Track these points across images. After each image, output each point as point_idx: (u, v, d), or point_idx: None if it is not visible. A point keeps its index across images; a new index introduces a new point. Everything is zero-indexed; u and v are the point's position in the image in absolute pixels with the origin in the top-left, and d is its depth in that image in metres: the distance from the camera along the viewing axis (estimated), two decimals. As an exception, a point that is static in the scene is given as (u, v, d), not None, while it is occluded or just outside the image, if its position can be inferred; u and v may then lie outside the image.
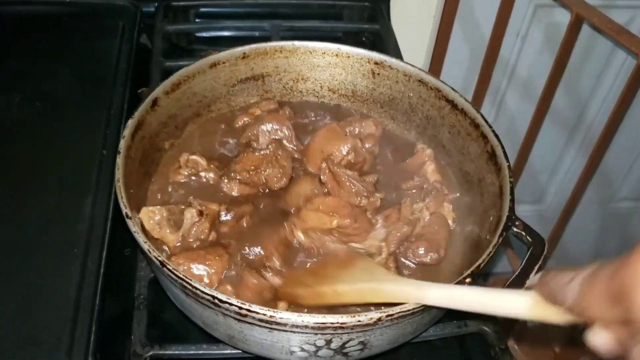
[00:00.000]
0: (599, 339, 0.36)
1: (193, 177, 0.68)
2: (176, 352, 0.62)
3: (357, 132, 0.73)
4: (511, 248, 1.34)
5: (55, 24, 0.96)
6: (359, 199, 0.65)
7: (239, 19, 1.02)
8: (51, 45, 0.93)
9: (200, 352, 0.62)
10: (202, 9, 1.03)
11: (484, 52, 1.30)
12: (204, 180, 0.68)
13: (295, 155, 0.71)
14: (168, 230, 0.60)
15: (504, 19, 1.24)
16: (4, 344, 0.58)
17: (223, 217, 0.64)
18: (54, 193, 0.72)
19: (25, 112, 0.81)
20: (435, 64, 1.35)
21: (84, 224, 0.69)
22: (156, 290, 0.67)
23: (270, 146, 0.67)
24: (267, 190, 0.68)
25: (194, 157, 0.67)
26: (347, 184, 0.66)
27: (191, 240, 0.62)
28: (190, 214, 0.61)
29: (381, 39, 1.02)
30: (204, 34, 1.03)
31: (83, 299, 0.63)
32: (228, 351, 0.62)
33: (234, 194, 0.66)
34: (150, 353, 0.61)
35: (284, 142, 0.70)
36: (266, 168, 0.66)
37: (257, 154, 0.66)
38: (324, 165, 0.67)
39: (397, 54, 0.99)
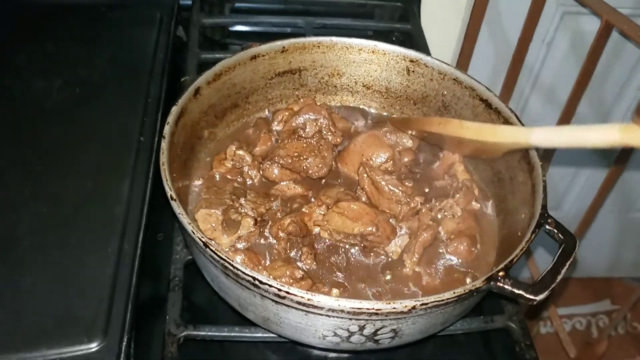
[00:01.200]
0: None
1: (237, 174, 0.71)
2: (209, 333, 0.64)
3: (393, 142, 0.75)
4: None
5: (94, 12, 0.98)
6: (400, 207, 0.67)
7: (272, 15, 1.04)
8: (90, 32, 0.95)
9: (233, 334, 0.64)
10: (237, 4, 1.05)
11: (510, 56, 1.31)
12: (246, 175, 0.70)
13: (336, 147, 0.73)
14: (222, 233, 0.63)
15: (532, 25, 1.24)
16: (42, 320, 0.60)
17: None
18: (92, 175, 0.74)
19: (65, 96, 0.83)
20: (462, 66, 1.36)
21: (122, 206, 0.70)
22: (191, 273, 0.69)
23: (315, 135, 0.69)
24: (306, 177, 0.70)
25: (240, 152, 0.69)
26: (387, 190, 0.67)
27: (242, 244, 0.64)
28: (247, 224, 0.63)
29: (411, 39, 1.03)
30: (238, 29, 1.05)
31: (120, 279, 0.64)
32: (259, 334, 0.64)
33: (274, 176, 0.68)
34: (185, 333, 0.63)
35: (323, 131, 0.72)
36: (309, 156, 0.67)
37: (302, 141, 0.68)
38: (361, 169, 0.68)
39: (427, 54, 1.00)
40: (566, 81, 1.24)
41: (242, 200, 0.65)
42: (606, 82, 1.49)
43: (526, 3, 1.23)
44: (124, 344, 0.59)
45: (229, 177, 0.71)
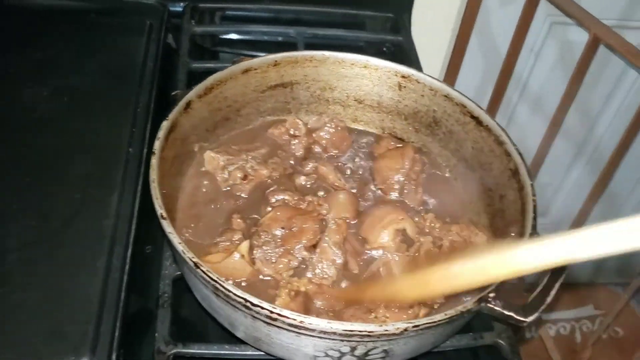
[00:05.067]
0: None
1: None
2: (199, 350, 0.63)
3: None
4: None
5: (84, 19, 0.97)
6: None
7: (263, 24, 1.03)
8: (79, 40, 0.93)
9: (222, 352, 0.63)
10: (228, 12, 1.05)
11: (499, 66, 1.32)
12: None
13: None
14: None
15: (521, 35, 1.25)
16: (29, 337, 0.58)
17: None
18: (80, 188, 0.73)
19: (53, 105, 0.82)
20: (451, 75, 1.37)
21: (110, 220, 0.69)
22: (180, 289, 0.68)
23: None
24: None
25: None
26: None
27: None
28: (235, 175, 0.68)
29: (402, 50, 1.04)
30: (229, 37, 1.04)
31: (108, 295, 0.63)
32: (250, 352, 0.63)
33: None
34: (174, 351, 0.62)
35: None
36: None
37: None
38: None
39: (418, 66, 1.01)
40: (554, 90, 1.26)
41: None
42: (593, 91, 1.50)
43: (515, 14, 1.24)
44: (113, 361, 0.59)
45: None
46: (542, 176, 1.60)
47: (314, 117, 0.81)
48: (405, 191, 0.73)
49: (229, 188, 0.71)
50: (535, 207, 0.62)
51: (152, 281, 0.71)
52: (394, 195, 0.73)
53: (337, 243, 0.63)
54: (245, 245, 0.62)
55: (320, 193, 0.72)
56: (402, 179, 0.72)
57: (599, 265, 1.89)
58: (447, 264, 0.48)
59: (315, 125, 0.80)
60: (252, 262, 0.62)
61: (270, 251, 0.63)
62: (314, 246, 0.63)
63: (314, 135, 0.79)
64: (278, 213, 0.64)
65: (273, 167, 0.73)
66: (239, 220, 0.67)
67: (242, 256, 0.62)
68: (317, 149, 0.78)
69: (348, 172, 0.77)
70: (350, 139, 0.81)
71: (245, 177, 0.71)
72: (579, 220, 1.37)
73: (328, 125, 0.79)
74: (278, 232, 0.64)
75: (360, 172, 0.77)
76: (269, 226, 0.64)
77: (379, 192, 0.74)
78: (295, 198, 0.68)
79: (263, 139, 0.78)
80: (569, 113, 1.29)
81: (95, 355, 0.58)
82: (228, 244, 0.64)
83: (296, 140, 0.78)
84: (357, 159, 0.79)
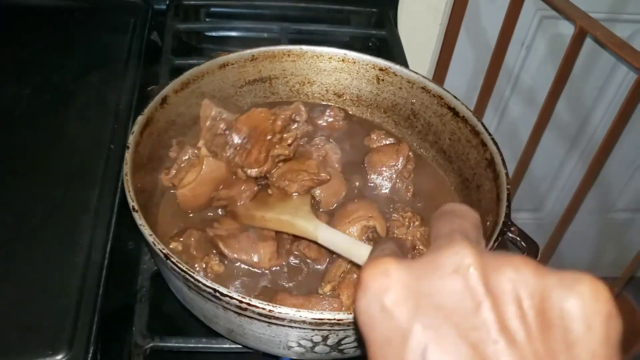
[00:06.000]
0: None
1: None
2: (176, 344, 0.63)
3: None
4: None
5: (67, 17, 0.97)
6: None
7: (248, 20, 1.04)
8: (62, 38, 0.94)
9: (200, 345, 0.64)
10: (213, 9, 1.05)
11: (489, 60, 1.32)
12: None
13: None
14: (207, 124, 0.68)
15: (509, 29, 1.25)
16: (5, 331, 0.59)
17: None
18: (60, 184, 0.73)
19: (35, 103, 0.83)
20: (440, 70, 1.37)
21: (89, 215, 0.70)
22: (158, 284, 0.69)
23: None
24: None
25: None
26: None
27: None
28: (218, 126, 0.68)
29: (387, 45, 1.04)
30: (214, 34, 1.05)
31: (86, 289, 0.63)
32: (227, 345, 0.63)
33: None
34: (151, 345, 0.63)
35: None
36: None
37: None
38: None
39: (403, 60, 1.01)
40: (545, 83, 1.25)
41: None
42: (585, 83, 1.50)
43: (504, 7, 1.24)
44: (90, 355, 0.59)
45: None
46: (536, 170, 1.60)
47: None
48: (396, 187, 0.72)
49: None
50: (509, 195, 0.62)
51: (132, 276, 0.71)
52: (384, 190, 0.73)
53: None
54: (203, 148, 0.66)
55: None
56: (394, 175, 0.72)
57: (596, 259, 1.89)
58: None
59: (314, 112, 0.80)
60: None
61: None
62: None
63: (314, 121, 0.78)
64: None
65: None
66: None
67: (211, 157, 0.65)
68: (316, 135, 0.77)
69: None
70: (347, 130, 0.80)
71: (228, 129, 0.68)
72: (569, 214, 1.36)
73: (328, 112, 0.79)
74: (236, 140, 0.66)
75: (351, 162, 0.76)
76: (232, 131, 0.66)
77: (368, 184, 0.73)
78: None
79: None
80: (561, 107, 1.29)
81: (72, 350, 0.59)
82: (187, 160, 0.67)
83: (295, 125, 0.74)
84: (348, 148, 0.78)
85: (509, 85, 1.52)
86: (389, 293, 0.29)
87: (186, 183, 0.66)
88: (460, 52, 1.38)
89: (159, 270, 0.67)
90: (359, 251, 0.57)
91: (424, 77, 0.74)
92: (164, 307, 0.71)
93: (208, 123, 0.66)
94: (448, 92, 0.72)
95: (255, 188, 0.67)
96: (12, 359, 0.58)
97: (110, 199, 0.72)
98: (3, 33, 0.92)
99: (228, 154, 0.66)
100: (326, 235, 0.60)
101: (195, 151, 0.67)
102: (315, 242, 0.62)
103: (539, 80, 1.47)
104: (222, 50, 0.78)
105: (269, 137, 0.66)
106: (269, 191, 0.68)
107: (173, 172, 0.67)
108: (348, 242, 0.59)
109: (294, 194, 0.66)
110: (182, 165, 0.67)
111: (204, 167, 0.65)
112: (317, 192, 0.68)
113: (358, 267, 0.60)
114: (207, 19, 1.07)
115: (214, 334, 0.63)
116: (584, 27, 1.08)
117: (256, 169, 0.65)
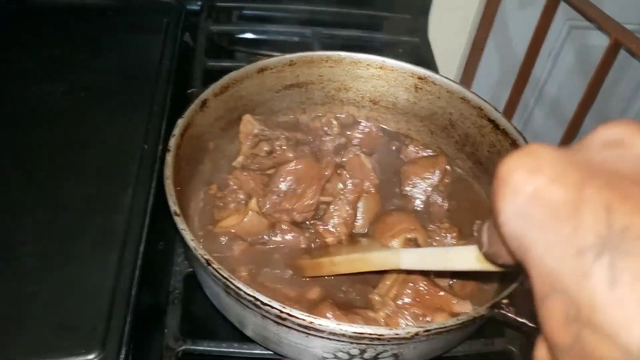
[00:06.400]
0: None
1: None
2: (207, 348, 0.63)
3: None
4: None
5: (101, 17, 0.98)
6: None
7: (280, 24, 1.03)
8: (96, 37, 0.94)
9: (231, 349, 0.63)
10: (245, 11, 1.05)
11: (515, 69, 1.31)
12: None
13: None
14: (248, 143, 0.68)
15: (540, 39, 1.24)
16: (39, 330, 0.59)
17: None
18: (94, 183, 0.73)
19: (69, 101, 0.83)
20: (467, 78, 1.36)
21: (123, 215, 0.70)
22: (190, 285, 0.69)
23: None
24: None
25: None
26: None
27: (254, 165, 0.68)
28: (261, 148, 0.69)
29: (419, 52, 1.03)
30: (246, 36, 1.04)
31: (119, 289, 0.63)
32: (258, 351, 0.63)
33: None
34: (183, 347, 0.62)
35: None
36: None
37: None
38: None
39: (434, 67, 1.00)
40: (571, 95, 1.24)
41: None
42: (612, 96, 1.48)
43: (534, 17, 1.23)
44: (122, 356, 0.59)
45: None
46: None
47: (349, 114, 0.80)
48: (431, 200, 0.71)
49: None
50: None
51: (163, 277, 0.71)
52: (418, 203, 0.72)
53: (351, 202, 0.63)
54: (254, 202, 0.64)
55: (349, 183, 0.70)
56: (429, 189, 0.71)
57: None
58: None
59: (347, 122, 0.79)
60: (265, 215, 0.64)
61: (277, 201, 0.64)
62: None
63: (347, 133, 0.78)
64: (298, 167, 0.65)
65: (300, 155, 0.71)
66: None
67: (257, 213, 0.63)
68: (349, 147, 0.76)
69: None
70: (382, 141, 0.79)
71: (270, 153, 0.69)
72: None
73: (363, 124, 0.78)
74: (283, 187, 0.65)
75: (387, 174, 0.75)
76: (278, 178, 0.65)
77: (403, 196, 0.72)
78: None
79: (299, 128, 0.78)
80: (587, 118, 1.27)
81: (105, 350, 0.58)
82: (234, 204, 0.65)
83: (328, 138, 0.75)
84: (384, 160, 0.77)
85: (533, 95, 1.51)
86: (544, 170, 0.24)
87: (224, 226, 0.65)
88: (488, 60, 1.37)
89: (193, 272, 0.67)
90: (459, 254, 0.47)
91: (464, 87, 0.74)
92: (195, 310, 0.71)
93: (249, 142, 0.66)
94: (488, 103, 0.71)
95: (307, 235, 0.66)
96: (46, 357, 0.58)
97: (144, 199, 0.72)
98: (37, 33, 0.93)
99: (273, 199, 0.66)
100: (409, 257, 0.54)
101: (244, 198, 0.66)
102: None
103: (565, 91, 1.45)
104: (255, 53, 0.78)
105: (317, 184, 0.65)
106: (327, 240, 0.66)
107: (220, 204, 0.67)
108: (440, 252, 0.52)
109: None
110: (229, 204, 0.66)
111: (245, 220, 0.64)
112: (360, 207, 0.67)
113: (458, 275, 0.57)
114: (239, 21, 1.06)
115: (245, 339, 0.62)
116: (619, 39, 1.06)
117: (304, 214, 0.65)
